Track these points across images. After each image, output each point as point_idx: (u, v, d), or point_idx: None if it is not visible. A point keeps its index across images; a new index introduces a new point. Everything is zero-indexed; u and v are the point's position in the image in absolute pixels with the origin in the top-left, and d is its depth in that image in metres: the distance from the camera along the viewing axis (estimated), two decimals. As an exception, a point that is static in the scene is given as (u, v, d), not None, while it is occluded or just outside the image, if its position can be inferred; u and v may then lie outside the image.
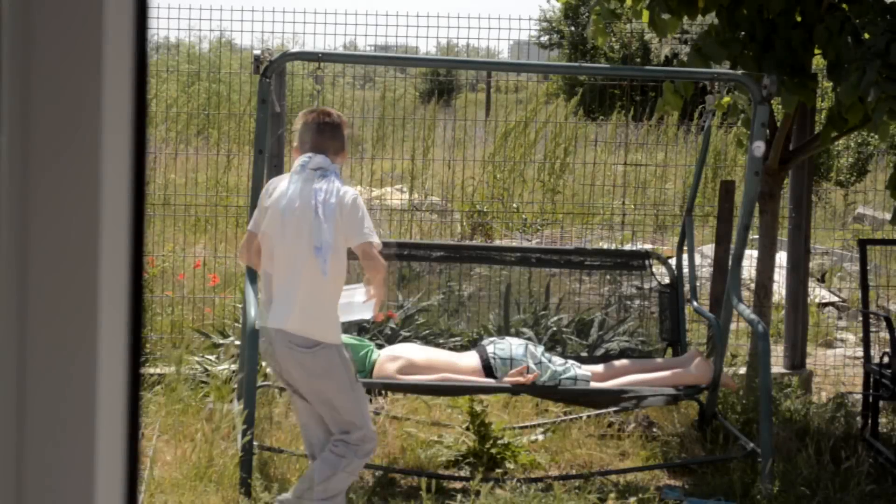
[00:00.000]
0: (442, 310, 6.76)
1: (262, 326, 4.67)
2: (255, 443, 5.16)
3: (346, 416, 4.58)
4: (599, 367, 6.13)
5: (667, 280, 6.62)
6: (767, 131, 6.00)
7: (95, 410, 0.93)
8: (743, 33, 6.32)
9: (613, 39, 19.07)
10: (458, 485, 5.60)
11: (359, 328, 6.55)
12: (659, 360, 6.34)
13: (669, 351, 6.52)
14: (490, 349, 6.05)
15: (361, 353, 5.97)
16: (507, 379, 5.86)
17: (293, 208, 4.50)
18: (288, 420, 5.91)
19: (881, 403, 6.49)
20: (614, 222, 9.89)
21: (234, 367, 6.49)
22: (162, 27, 8.28)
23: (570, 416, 6.50)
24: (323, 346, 4.51)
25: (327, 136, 4.61)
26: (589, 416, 6.45)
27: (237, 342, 6.73)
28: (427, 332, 6.62)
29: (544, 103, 10.58)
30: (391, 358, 5.91)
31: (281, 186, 4.59)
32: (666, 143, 10.89)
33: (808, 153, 7.03)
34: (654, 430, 6.41)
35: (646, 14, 6.48)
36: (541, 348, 6.17)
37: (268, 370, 5.65)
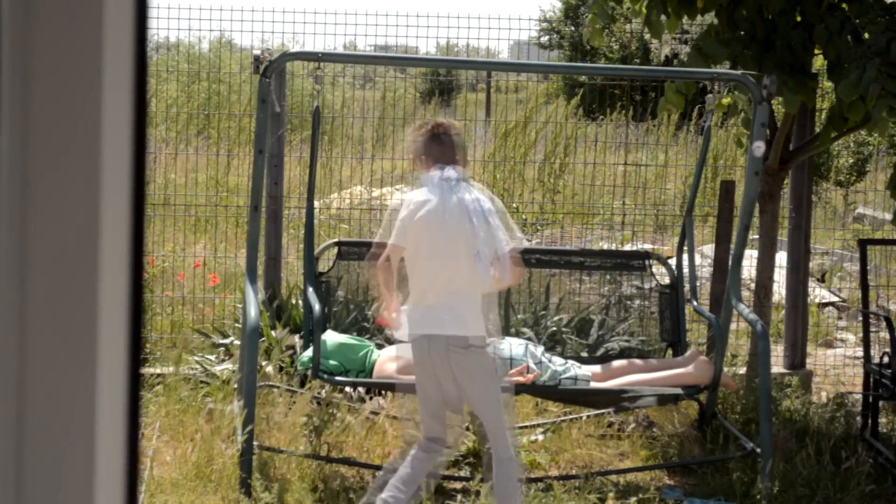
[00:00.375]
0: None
1: (414, 334, 4.70)
2: (254, 443, 5.16)
3: (488, 417, 4.71)
4: (599, 368, 6.13)
5: (667, 280, 6.62)
6: (767, 131, 6.00)
7: (95, 410, 0.93)
8: (743, 33, 6.32)
9: (613, 40, 19.08)
10: (458, 485, 5.59)
11: (359, 328, 6.55)
12: (659, 360, 6.34)
13: (669, 351, 6.53)
14: (490, 349, 6.05)
15: (361, 353, 5.97)
16: (506, 379, 5.86)
17: (445, 219, 4.62)
18: (288, 419, 5.91)
19: (881, 403, 6.49)
20: (614, 222, 9.89)
21: (233, 366, 6.49)
22: (162, 27, 8.29)
23: (570, 416, 6.50)
24: (478, 347, 4.65)
25: (454, 147, 4.78)
26: (589, 416, 6.45)
27: (237, 342, 6.73)
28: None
29: (544, 103, 10.57)
30: (391, 358, 5.92)
31: (420, 199, 4.67)
32: (666, 144, 10.89)
33: (809, 153, 7.02)
34: (654, 430, 6.41)
35: (643, 13, 6.48)
36: (541, 348, 6.17)
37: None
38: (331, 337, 6.06)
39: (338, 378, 5.82)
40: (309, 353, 5.89)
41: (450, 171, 4.70)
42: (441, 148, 4.74)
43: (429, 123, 4.83)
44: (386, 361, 5.91)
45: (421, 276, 4.66)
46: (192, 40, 11.78)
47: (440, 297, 4.62)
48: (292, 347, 6.43)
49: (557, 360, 6.03)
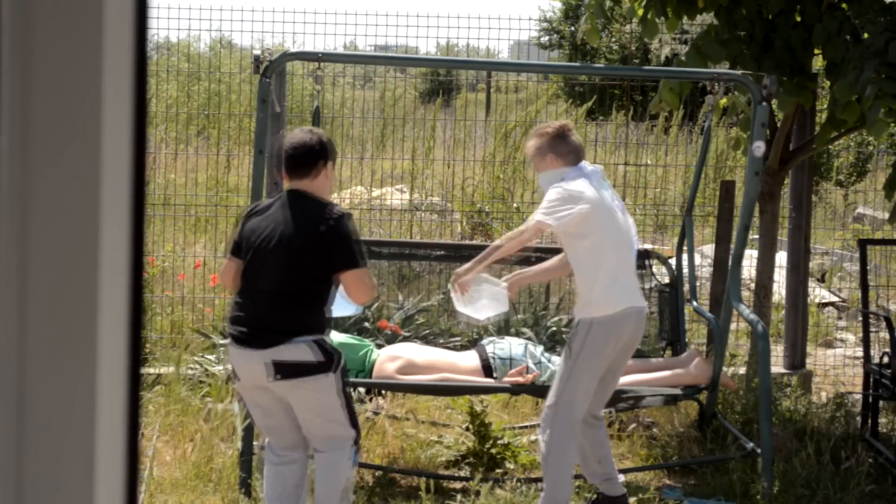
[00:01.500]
0: (442, 310, 6.76)
1: (623, 307, 5.00)
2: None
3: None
4: None
5: (667, 280, 6.62)
6: (767, 131, 6.00)
7: (95, 410, 0.93)
8: (742, 33, 6.31)
9: (613, 40, 19.07)
10: (458, 485, 5.60)
11: (359, 329, 6.56)
12: (658, 359, 6.34)
13: (669, 351, 6.53)
14: (490, 349, 6.05)
15: (361, 352, 5.97)
16: (506, 379, 5.86)
17: (614, 207, 5.06)
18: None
19: (881, 403, 6.49)
20: (614, 222, 9.87)
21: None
22: (162, 27, 8.29)
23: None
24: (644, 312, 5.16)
25: (580, 144, 5.17)
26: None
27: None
28: (427, 332, 6.62)
29: (546, 104, 10.57)
30: (391, 358, 5.92)
31: (589, 190, 4.99)
32: (666, 144, 10.89)
33: (809, 153, 7.02)
34: (654, 430, 6.41)
35: (640, 12, 6.48)
36: (540, 348, 6.17)
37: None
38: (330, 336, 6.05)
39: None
40: None
41: (591, 167, 5.11)
42: (573, 145, 5.08)
43: (553, 125, 5.15)
44: (386, 361, 5.91)
45: (609, 259, 4.99)
46: (192, 40, 11.79)
47: (628, 274, 5.09)
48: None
49: (557, 359, 6.02)
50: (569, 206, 4.93)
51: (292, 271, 4.31)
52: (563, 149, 5.06)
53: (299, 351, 4.30)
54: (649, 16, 6.43)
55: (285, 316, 4.31)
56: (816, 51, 6.47)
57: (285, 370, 4.29)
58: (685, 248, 6.62)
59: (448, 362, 5.96)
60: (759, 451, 5.52)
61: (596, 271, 4.98)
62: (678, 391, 5.90)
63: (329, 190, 4.60)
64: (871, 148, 12.85)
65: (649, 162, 10.39)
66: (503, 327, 6.63)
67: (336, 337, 6.05)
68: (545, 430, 4.94)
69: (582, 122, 10.50)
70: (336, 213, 4.38)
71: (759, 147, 5.71)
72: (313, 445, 4.50)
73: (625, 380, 5.96)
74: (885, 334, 7.11)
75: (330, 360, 4.35)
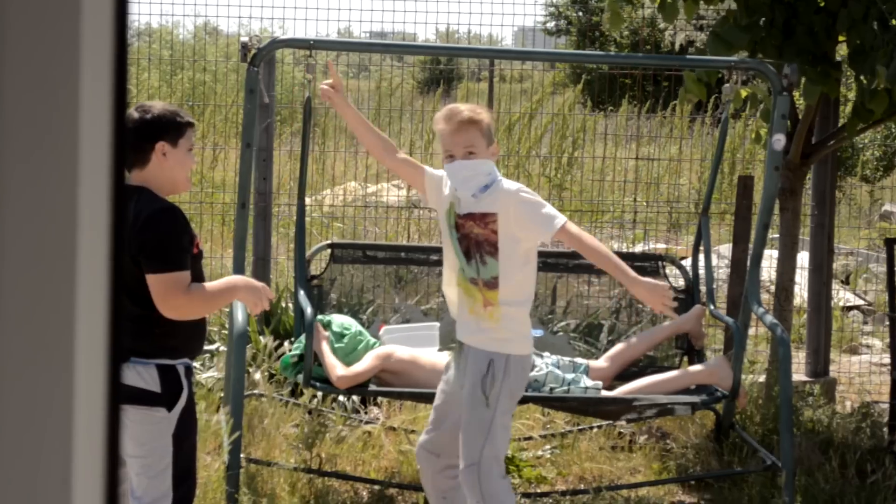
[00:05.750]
0: (441, 313, 6.76)
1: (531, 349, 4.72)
2: (242, 455, 5.16)
3: None
4: (605, 362, 6.11)
5: (681, 283, 6.61)
6: (788, 123, 6.00)
7: (73, 422, 0.93)
8: (762, 18, 6.31)
9: (624, 26, 19.08)
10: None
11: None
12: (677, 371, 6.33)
13: (685, 360, 6.51)
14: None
15: (361, 345, 5.91)
16: None
17: None
18: (279, 431, 5.91)
19: (910, 413, 6.49)
20: (625, 220, 9.89)
21: (219, 374, 6.49)
22: (143, 12, 8.29)
23: (579, 427, 6.50)
24: None
25: None
26: (598, 428, 6.45)
27: (223, 348, 6.73)
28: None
29: (551, 94, 10.57)
30: (388, 355, 5.89)
31: None
32: (680, 137, 10.89)
33: (832, 147, 7.02)
34: (668, 441, 6.41)
35: None
36: (546, 354, 6.17)
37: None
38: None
39: (331, 386, 5.80)
40: (289, 353, 5.89)
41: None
42: None
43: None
44: (383, 357, 5.88)
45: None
46: (174, 26, 11.79)
47: None
48: (282, 354, 6.43)
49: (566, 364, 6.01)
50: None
51: (123, 281, 3.92)
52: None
53: (132, 373, 3.82)
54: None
55: (126, 331, 3.81)
56: (840, 38, 6.46)
57: (122, 393, 3.82)
58: (701, 248, 6.61)
59: (432, 363, 5.91)
60: (779, 464, 5.52)
61: (531, 294, 4.61)
62: (695, 399, 5.87)
63: (173, 177, 3.98)
64: (898, 141, 12.85)
65: (662, 156, 10.39)
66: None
67: (339, 319, 5.96)
68: (472, 495, 4.44)
69: (591, 114, 10.51)
70: (152, 209, 3.85)
71: (780, 140, 5.71)
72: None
73: (638, 383, 5.92)
74: (913, 340, 7.11)
75: (170, 392, 3.86)
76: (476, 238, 4.48)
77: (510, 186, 4.51)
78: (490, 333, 4.46)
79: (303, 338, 5.67)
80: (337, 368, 5.56)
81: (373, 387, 5.70)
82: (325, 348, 5.66)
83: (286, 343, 6.42)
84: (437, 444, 4.67)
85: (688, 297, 6.54)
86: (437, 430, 4.67)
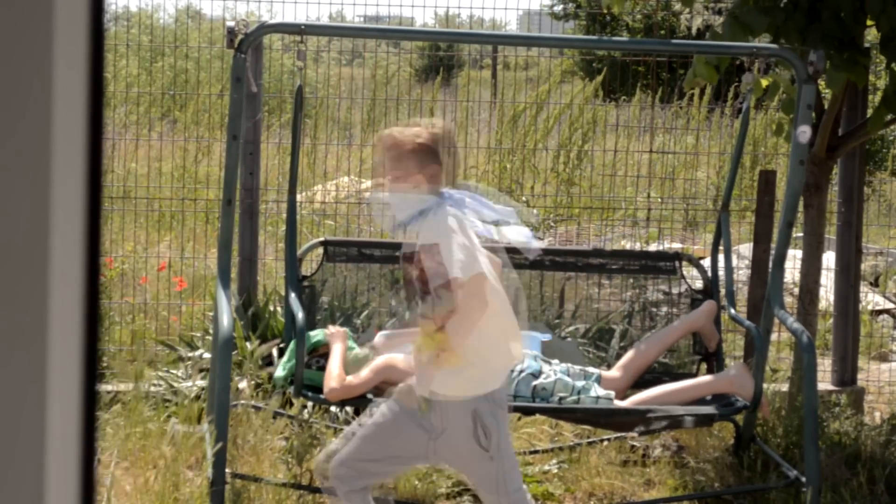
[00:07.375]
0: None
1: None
2: (227, 470, 5.16)
3: None
4: (618, 373, 6.11)
5: (699, 284, 6.61)
6: (814, 114, 6.00)
7: (45, 433, 0.93)
8: (785, 1, 6.31)
9: (637, 9, 19.08)
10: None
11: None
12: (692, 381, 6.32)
13: (703, 367, 6.51)
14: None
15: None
16: None
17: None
18: (264, 444, 5.91)
19: (943, 425, 6.49)
20: (639, 218, 9.90)
21: (203, 383, 6.49)
22: (121, -5, 8.30)
23: (588, 440, 6.50)
24: None
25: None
26: (609, 440, 6.45)
27: (207, 355, 6.73)
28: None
29: (559, 83, 10.58)
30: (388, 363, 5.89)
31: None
32: (697, 128, 10.90)
33: (860, 139, 7.02)
34: (684, 455, 6.41)
35: None
36: (555, 362, 6.17)
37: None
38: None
39: (322, 396, 5.80)
40: (283, 371, 5.88)
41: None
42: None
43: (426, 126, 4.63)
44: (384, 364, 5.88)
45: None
46: (155, 10, 11.79)
47: None
48: (270, 362, 6.43)
49: (563, 367, 6.00)
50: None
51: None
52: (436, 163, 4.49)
53: None
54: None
55: None
56: (869, 22, 6.46)
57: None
58: (720, 247, 6.61)
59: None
60: (803, 479, 5.51)
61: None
62: (713, 410, 5.86)
63: None
64: (931, 133, 12.86)
65: (678, 149, 10.39)
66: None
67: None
68: None
69: (601, 104, 10.52)
70: None
71: (804, 132, 5.71)
72: None
73: (652, 392, 5.92)
74: (947, 346, 7.11)
75: None
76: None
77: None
78: (459, 375, 4.27)
79: (293, 344, 5.67)
80: (332, 380, 5.56)
81: (368, 395, 5.70)
82: (337, 352, 5.66)
83: (274, 351, 6.43)
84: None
85: (705, 299, 6.54)
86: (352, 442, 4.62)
